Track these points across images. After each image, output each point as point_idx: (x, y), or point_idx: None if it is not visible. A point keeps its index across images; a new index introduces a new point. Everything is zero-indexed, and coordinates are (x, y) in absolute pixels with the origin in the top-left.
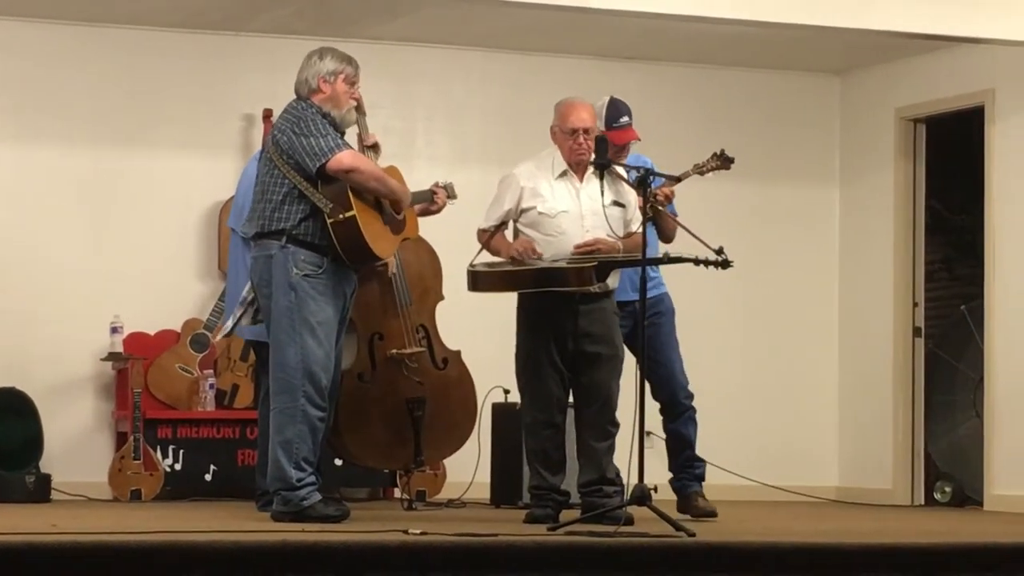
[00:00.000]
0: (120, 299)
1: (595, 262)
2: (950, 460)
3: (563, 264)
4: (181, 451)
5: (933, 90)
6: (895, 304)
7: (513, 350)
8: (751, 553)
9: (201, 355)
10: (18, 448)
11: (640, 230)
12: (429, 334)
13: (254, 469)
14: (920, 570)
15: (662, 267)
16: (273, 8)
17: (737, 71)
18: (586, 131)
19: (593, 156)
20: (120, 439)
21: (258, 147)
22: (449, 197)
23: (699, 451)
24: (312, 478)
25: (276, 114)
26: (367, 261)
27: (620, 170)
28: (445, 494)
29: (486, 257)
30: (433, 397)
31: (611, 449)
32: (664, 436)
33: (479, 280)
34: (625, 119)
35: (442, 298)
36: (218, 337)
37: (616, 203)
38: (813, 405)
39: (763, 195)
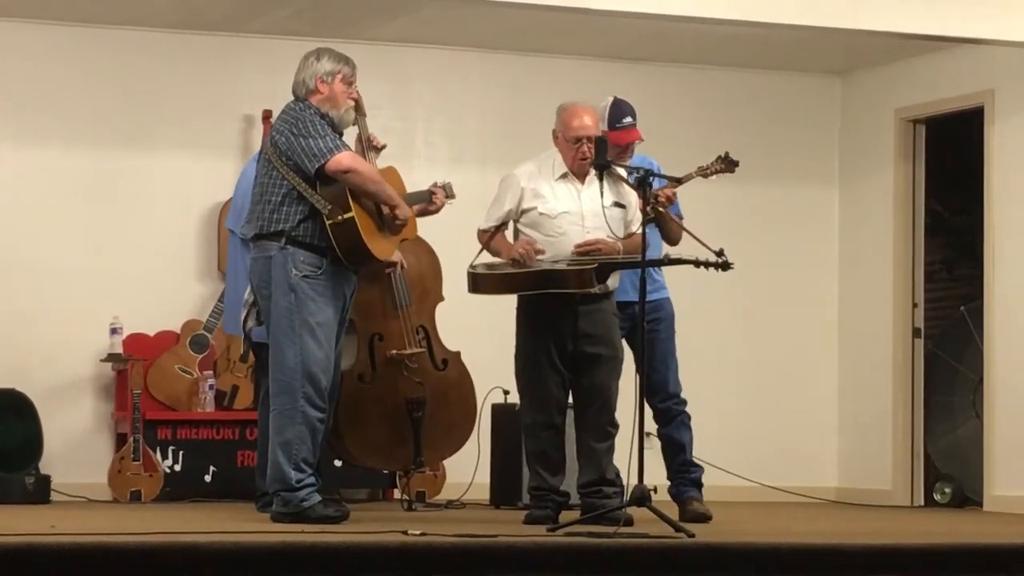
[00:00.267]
0: (120, 300)
1: (595, 264)
2: (950, 461)
3: (563, 266)
4: (181, 452)
5: (933, 91)
6: (895, 305)
7: (512, 351)
8: (750, 554)
9: (201, 356)
10: (17, 449)
11: (640, 231)
12: (429, 335)
13: (254, 470)
14: (920, 571)
15: (664, 271)
16: (273, 9)
17: (737, 72)
18: (589, 139)
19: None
20: (120, 440)
21: (257, 148)
22: (448, 197)
23: (698, 452)
24: (312, 479)
25: (276, 115)
26: (366, 262)
27: (621, 171)
28: (445, 495)
29: (486, 258)
30: (433, 398)
31: (611, 450)
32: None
33: (479, 282)
34: (628, 119)
35: (442, 299)
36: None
37: (617, 204)
38: (812, 406)
39: (763, 195)
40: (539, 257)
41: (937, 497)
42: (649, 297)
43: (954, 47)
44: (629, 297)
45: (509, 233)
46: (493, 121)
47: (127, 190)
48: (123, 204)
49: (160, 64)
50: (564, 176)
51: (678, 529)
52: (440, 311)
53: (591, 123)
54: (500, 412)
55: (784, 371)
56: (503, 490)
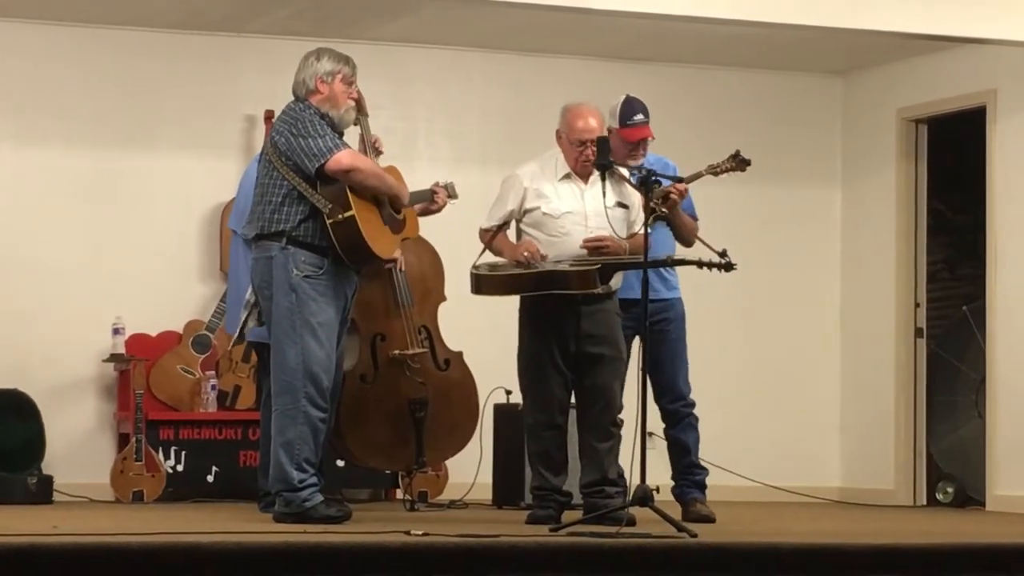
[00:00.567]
0: (122, 300)
1: (598, 265)
2: (952, 460)
3: (566, 267)
4: (183, 452)
5: (935, 91)
6: (897, 304)
7: (515, 351)
8: (753, 554)
9: (203, 356)
10: (20, 449)
11: (642, 231)
12: (431, 335)
13: (256, 470)
14: (922, 571)
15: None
16: (273, 9)
17: (738, 72)
18: (593, 141)
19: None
20: (122, 440)
21: (259, 148)
22: (450, 196)
23: (702, 452)
24: (314, 479)
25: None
26: (367, 261)
27: (623, 171)
28: (447, 495)
29: (488, 257)
30: (435, 398)
31: (613, 450)
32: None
33: (482, 283)
34: (639, 117)
35: (444, 299)
36: (230, 346)
37: (620, 204)
38: (815, 406)
39: (765, 196)
40: (541, 259)
41: (939, 497)
42: (659, 296)
43: (956, 47)
44: (636, 295)
45: (511, 233)
46: (495, 121)
47: (128, 190)
48: (125, 204)
49: (161, 64)
50: (567, 176)
51: (680, 529)
52: (442, 311)
53: (596, 125)
54: (502, 412)
55: (786, 371)
56: (505, 490)
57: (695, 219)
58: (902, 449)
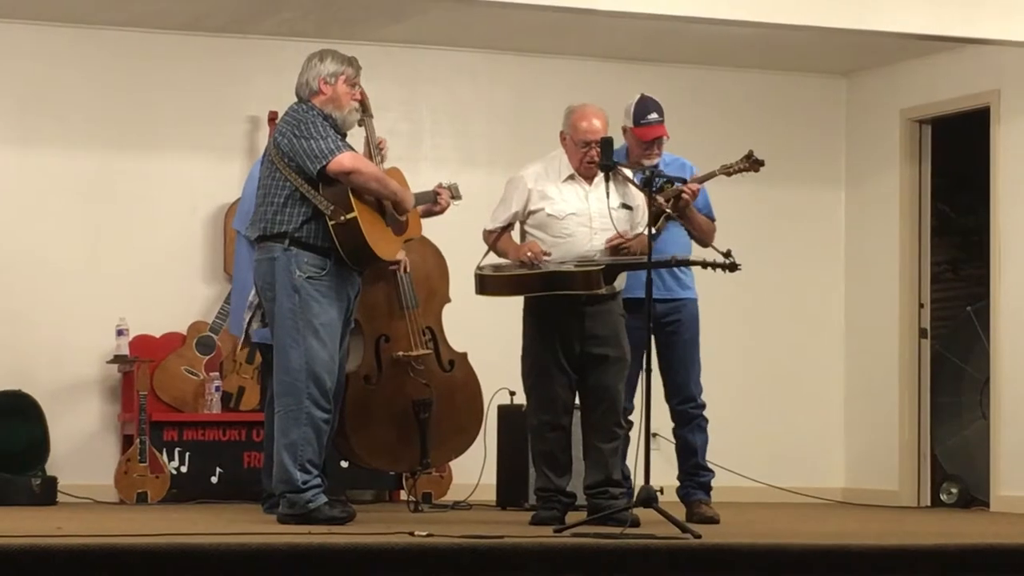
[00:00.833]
0: (125, 302)
1: (603, 265)
2: (956, 461)
3: (571, 267)
4: (187, 454)
5: (939, 91)
6: (901, 305)
7: (519, 352)
8: (757, 555)
9: (207, 357)
10: (24, 451)
11: (645, 232)
12: (435, 336)
13: (260, 471)
14: (927, 571)
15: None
16: (278, 11)
17: (742, 72)
18: (598, 143)
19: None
20: (126, 442)
21: (263, 150)
22: (453, 198)
23: (707, 454)
24: (317, 480)
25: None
26: (370, 263)
27: (627, 172)
28: (451, 496)
29: (493, 258)
30: (439, 399)
31: (617, 451)
32: (673, 440)
33: (486, 284)
34: (653, 116)
35: (448, 300)
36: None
37: (624, 205)
38: (819, 406)
39: (769, 196)
40: (546, 258)
41: (944, 497)
42: (672, 295)
43: (960, 47)
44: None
45: (515, 234)
46: (500, 122)
47: (133, 192)
48: (128, 206)
49: (165, 66)
50: (571, 177)
51: (684, 530)
52: (446, 312)
53: (600, 126)
54: (506, 413)
55: (790, 371)
56: (509, 491)
57: (712, 220)
58: (906, 450)
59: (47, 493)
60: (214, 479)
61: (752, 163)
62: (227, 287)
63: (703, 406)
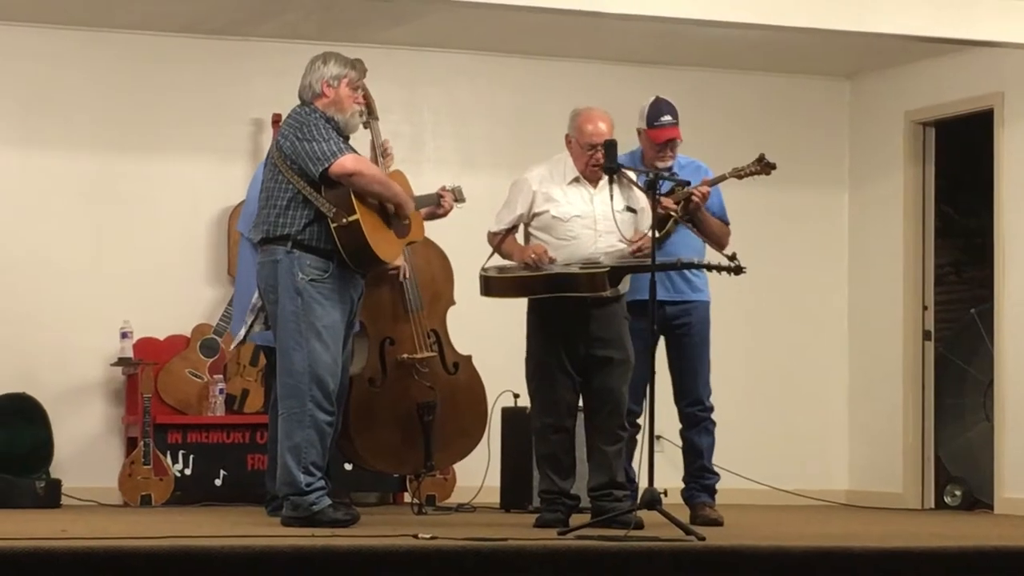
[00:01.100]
0: (129, 304)
1: (608, 268)
2: (960, 463)
3: (576, 269)
4: (191, 456)
5: (942, 93)
6: (905, 307)
7: (523, 355)
8: (761, 557)
9: (211, 360)
10: (28, 453)
11: (650, 234)
12: (440, 339)
13: (264, 474)
14: (930, 574)
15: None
16: (281, 13)
17: (746, 75)
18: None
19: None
20: (130, 444)
21: (266, 152)
22: (457, 200)
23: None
24: (321, 483)
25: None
26: (372, 265)
27: (631, 175)
28: (455, 498)
29: (497, 260)
30: (444, 402)
31: (621, 453)
32: (678, 442)
33: (491, 285)
34: (667, 118)
35: (453, 303)
36: (232, 347)
37: (629, 209)
38: (823, 408)
39: (772, 198)
40: (549, 261)
41: (947, 500)
42: (682, 297)
43: (963, 50)
44: (658, 297)
45: (519, 236)
46: (502, 125)
47: (136, 194)
48: (132, 208)
49: (168, 68)
50: (576, 180)
51: (688, 532)
52: (450, 315)
53: (606, 129)
54: (510, 416)
55: (794, 373)
56: (513, 493)
57: (726, 223)
58: (910, 452)
59: (51, 496)
60: (218, 482)
61: (763, 166)
62: (231, 290)
63: (711, 409)
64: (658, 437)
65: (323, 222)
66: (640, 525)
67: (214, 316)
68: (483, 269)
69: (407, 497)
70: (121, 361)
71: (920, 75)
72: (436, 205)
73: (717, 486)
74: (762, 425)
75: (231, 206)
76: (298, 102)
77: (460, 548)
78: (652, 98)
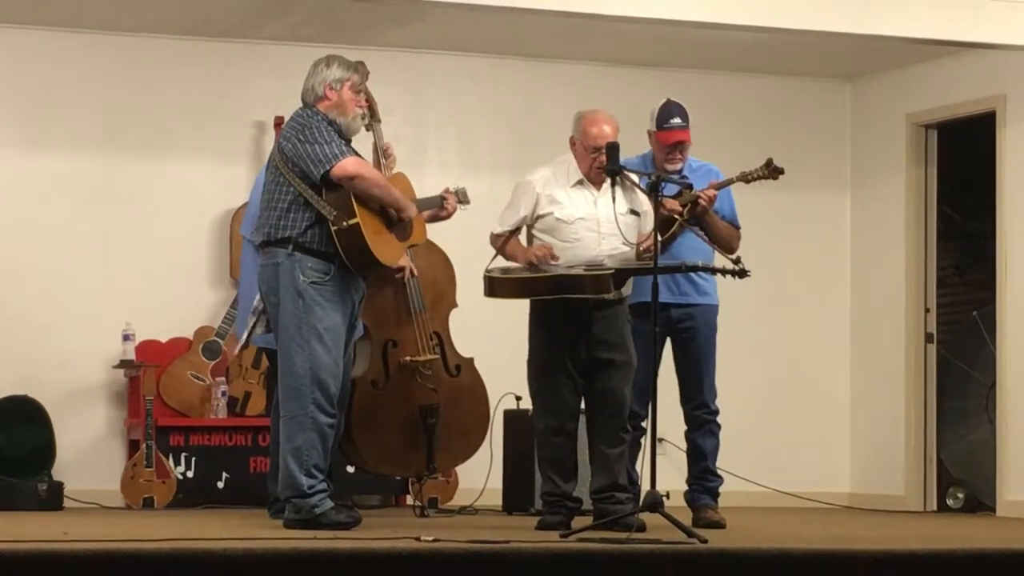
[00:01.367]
0: (132, 307)
1: (612, 270)
2: (962, 466)
3: (581, 271)
4: (193, 459)
5: (944, 96)
6: (907, 310)
7: (525, 357)
8: (763, 559)
9: (213, 362)
10: (30, 456)
11: (653, 235)
12: (442, 341)
13: (266, 476)
14: None
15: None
16: (283, 15)
17: (748, 77)
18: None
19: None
20: (132, 447)
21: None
22: (460, 203)
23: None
24: (323, 485)
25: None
26: (372, 268)
27: (633, 177)
28: (457, 501)
29: (501, 262)
30: (446, 404)
31: (623, 455)
32: (680, 445)
33: (495, 286)
34: (676, 120)
35: (455, 305)
36: (236, 351)
37: (632, 211)
38: (825, 411)
39: (774, 201)
40: (554, 262)
41: (949, 502)
42: (688, 300)
43: (965, 52)
44: (663, 300)
45: (522, 238)
46: (505, 127)
47: (139, 197)
48: (135, 211)
49: (171, 71)
50: (580, 182)
51: (691, 535)
52: (453, 317)
53: (610, 132)
54: (512, 418)
55: (795, 376)
56: (515, 496)
57: (737, 227)
58: (912, 454)
59: (53, 498)
60: (220, 484)
61: (772, 171)
62: (233, 292)
63: (716, 412)
64: (660, 440)
65: (324, 225)
66: (642, 528)
67: (216, 318)
68: (487, 270)
69: (409, 499)
70: (123, 363)
71: (922, 77)
72: (439, 207)
73: (720, 490)
74: (764, 427)
75: (233, 208)
76: (300, 105)
77: (462, 551)
78: (663, 100)
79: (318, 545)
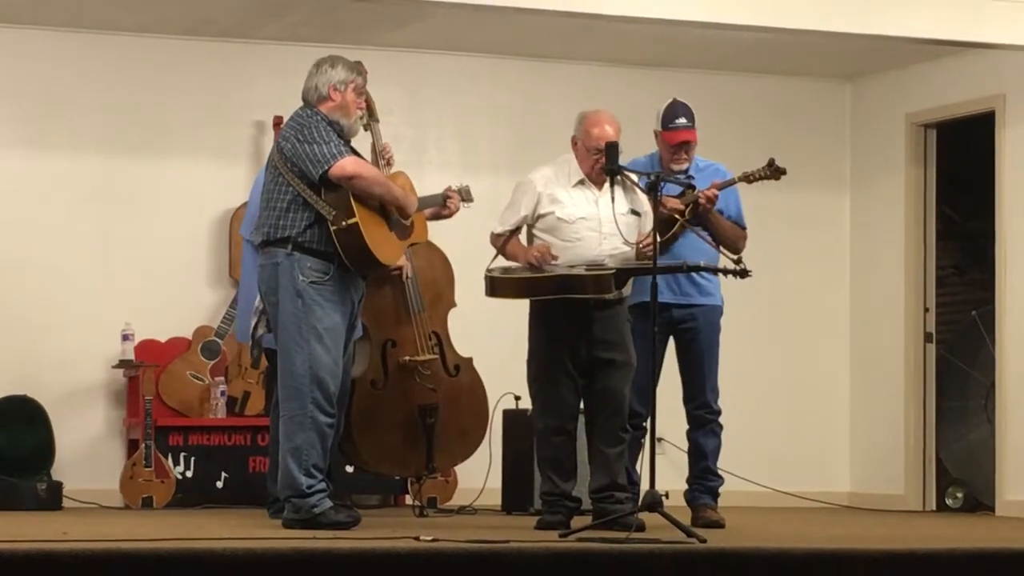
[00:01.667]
0: (131, 306)
1: (614, 270)
2: (962, 465)
3: (582, 271)
4: (192, 458)
5: (944, 95)
6: (906, 309)
7: (524, 356)
8: (762, 559)
9: (212, 362)
10: (29, 456)
11: (652, 235)
12: (441, 341)
13: (265, 476)
14: None
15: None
16: (283, 15)
17: (747, 77)
18: None
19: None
20: (131, 446)
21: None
22: (464, 201)
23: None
24: (322, 485)
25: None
26: (372, 268)
27: (634, 177)
28: (456, 500)
29: (501, 262)
30: (445, 404)
31: (623, 455)
32: (680, 445)
33: (496, 286)
34: (681, 120)
35: (454, 305)
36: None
37: (632, 211)
38: (824, 411)
39: (774, 200)
40: (554, 262)
41: (949, 502)
42: (690, 301)
43: (965, 52)
44: (665, 300)
45: (523, 238)
46: (505, 127)
47: (138, 196)
48: (134, 210)
49: (171, 70)
50: (581, 182)
51: (690, 535)
52: (452, 317)
53: (612, 133)
54: (512, 418)
55: (795, 376)
56: (515, 496)
57: (743, 227)
58: (912, 454)
59: (53, 498)
60: (219, 484)
61: (774, 171)
62: (232, 292)
63: (718, 412)
64: (659, 439)
65: (323, 224)
66: (641, 527)
67: (215, 318)
68: (488, 270)
69: (408, 499)
70: (122, 363)
71: (921, 77)
72: (441, 206)
73: (720, 489)
74: (763, 427)
75: (232, 208)
76: (299, 105)
77: (461, 550)
78: (669, 100)
79: (317, 545)
